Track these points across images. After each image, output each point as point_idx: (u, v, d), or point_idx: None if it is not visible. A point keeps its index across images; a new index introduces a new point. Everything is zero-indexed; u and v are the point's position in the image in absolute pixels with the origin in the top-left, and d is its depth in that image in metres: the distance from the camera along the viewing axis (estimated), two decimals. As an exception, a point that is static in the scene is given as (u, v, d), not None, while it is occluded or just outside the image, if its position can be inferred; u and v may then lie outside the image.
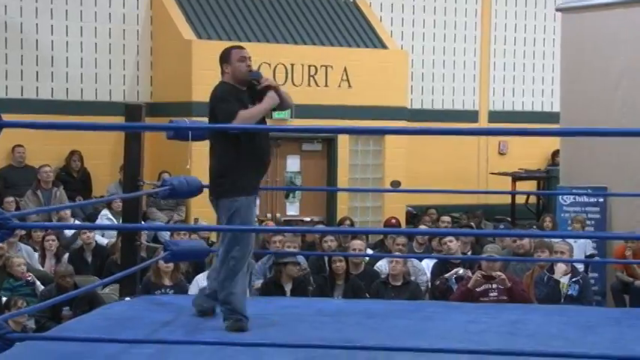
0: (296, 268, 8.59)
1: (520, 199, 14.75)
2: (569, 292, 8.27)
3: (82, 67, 13.31)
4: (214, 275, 5.50)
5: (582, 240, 10.22)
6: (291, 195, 13.60)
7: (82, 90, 13.32)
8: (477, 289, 7.89)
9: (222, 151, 5.33)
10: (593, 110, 10.89)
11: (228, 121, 5.18)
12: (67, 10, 13.24)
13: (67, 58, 13.23)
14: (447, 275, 8.75)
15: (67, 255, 10.03)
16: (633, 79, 10.73)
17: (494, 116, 15.78)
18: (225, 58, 5.52)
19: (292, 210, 13.56)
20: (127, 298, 6.18)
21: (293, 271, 8.54)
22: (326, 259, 9.33)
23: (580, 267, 8.95)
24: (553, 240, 8.79)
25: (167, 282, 8.44)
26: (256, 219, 6.70)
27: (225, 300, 5.30)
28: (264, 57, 13.18)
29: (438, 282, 8.74)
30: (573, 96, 11.37)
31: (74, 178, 12.75)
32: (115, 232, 10.23)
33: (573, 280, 8.36)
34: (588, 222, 10.89)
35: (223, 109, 5.28)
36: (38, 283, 9.06)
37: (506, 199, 14.56)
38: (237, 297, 5.28)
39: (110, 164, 12.75)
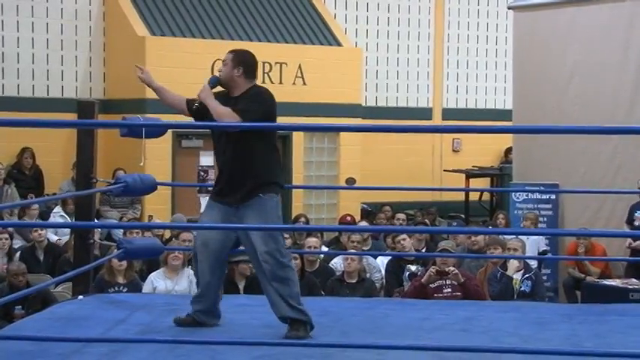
0: (248, 266, 8.57)
1: (474, 196, 14.85)
2: (522, 289, 8.36)
3: (33, 63, 13.16)
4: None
5: (535, 237, 10.32)
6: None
7: (33, 86, 13.17)
8: (431, 285, 7.93)
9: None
10: (545, 108, 11.01)
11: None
12: (17, 6, 13.07)
13: (18, 54, 13.07)
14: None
15: (18, 253, 9.90)
16: (584, 76, 10.87)
17: (447, 113, 15.89)
18: None
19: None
20: (80, 297, 6.11)
21: (245, 270, 8.53)
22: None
23: (533, 263, 9.04)
24: (506, 237, 8.88)
25: (121, 280, 8.36)
26: None
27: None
28: (218, 54, 12.95)
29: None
30: (525, 93, 11.49)
31: (26, 176, 12.60)
32: (67, 231, 10.12)
33: (526, 276, 8.44)
34: (541, 219, 11.00)
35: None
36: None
37: (460, 197, 14.67)
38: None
39: (63, 161, 12.62)
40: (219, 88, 5.35)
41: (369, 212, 13.75)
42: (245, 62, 5.32)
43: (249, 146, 5.14)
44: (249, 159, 5.15)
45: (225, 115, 5.07)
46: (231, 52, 5.40)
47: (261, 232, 5.10)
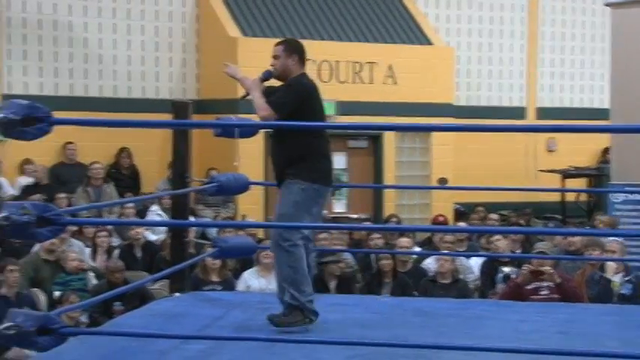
0: (337, 266, 8.60)
1: (570, 197, 14.57)
2: (622, 292, 8.16)
3: (129, 64, 13.43)
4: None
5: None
6: (337, 192, 13.59)
7: (129, 88, 13.44)
8: (527, 287, 7.80)
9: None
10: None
11: None
12: (114, 9, 13.35)
13: (114, 56, 13.36)
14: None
15: (117, 251, 10.13)
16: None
17: (542, 113, 15.63)
18: None
19: (339, 207, 13.54)
20: (177, 294, 6.20)
21: (334, 270, 8.57)
22: (373, 256, 9.31)
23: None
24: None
25: (215, 278, 8.48)
26: None
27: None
28: (309, 54, 12.89)
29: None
30: (623, 91, 11.22)
31: (124, 175, 12.85)
32: (164, 229, 10.31)
33: (626, 279, 8.24)
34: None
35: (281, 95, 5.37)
36: (91, 275, 9.17)
37: (556, 197, 14.40)
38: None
39: (159, 161, 12.84)
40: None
41: (463, 213, 13.62)
42: (298, 50, 5.43)
43: (283, 134, 5.29)
44: (284, 146, 5.29)
45: (261, 110, 5.19)
46: (280, 43, 5.49)
47: (276, 214, 5.28)
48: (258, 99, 5.23)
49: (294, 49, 5.40)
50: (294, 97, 5.23)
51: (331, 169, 5.43)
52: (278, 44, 5.46)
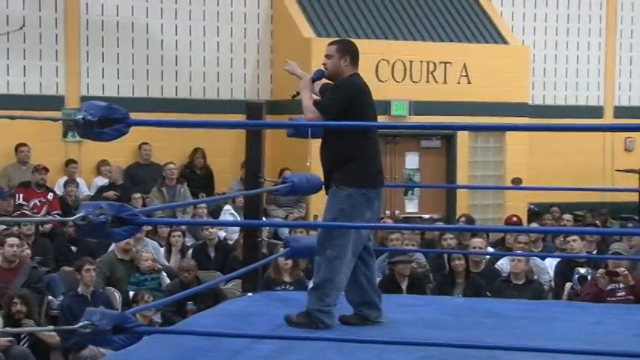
0: (407, 266, 8.57)
1: (648, 197, 14.28)
2: (702, 294, 7.96)
3: (204, 66, 13.58)
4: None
5: None
6: (410, 192, 13.54)
7: (204, 88, 13.59)
8: (605, 289, 7.67)
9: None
10: None
11: None
12: (190, 11, 13.52)
13: (190, 57, 13.52)
14: None
15: (190, 251, 10.25)
16: None
17: (620, 111, 15.33)
18: None
19: (411, 207, 13.50)
20: (249, 294, 6.25)
21: (404, 270, 8.54)
22: (446, 256, 9.26)
23: None
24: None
25: (287, 278, 8.52)
26: None
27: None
28: (383, 54, 13.17)
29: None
30: None
31: (198, 175, 12.99)
32: (236, 228, 10.40)
33: None
34: None
35: (331, 96, 5.35)
36: (164, 275, 9.29)
37: (634, 197, 14.11)
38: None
39: (232, 161, 12.96)
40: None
41: (537, 213, 13.44)
42: (351, 51, 5.37)
43: (331, 137, 5.26)
44: (329, 148, 5.27)
45: (308, 112, 5.19)
46: (333, 43, 5.45)
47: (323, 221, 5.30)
48: (306, 100, 5.23)
49: (346, 50, 5.36)
50: (341, 98, 5.18)
51: (379, 170, 5.36)
52: (331, 44, 5.44)
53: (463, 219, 11.40)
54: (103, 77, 13.10)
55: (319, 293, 5.22)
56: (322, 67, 5.44)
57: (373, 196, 5.29)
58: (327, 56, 5.36)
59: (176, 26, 13.47)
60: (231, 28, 13.70)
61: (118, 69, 13.19)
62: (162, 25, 13.38)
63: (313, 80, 5.40)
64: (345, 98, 5.20)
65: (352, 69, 5.34)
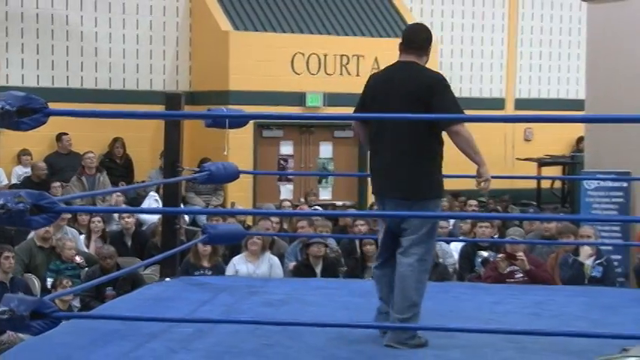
0: (320, 247, 8.62)
1: (546, 184, 14.65)
2: (593, 274, 8.22)
3: (124, 57, 13.41)
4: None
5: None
6: (324, 180, 13.62)
7: (124, 80, 13.42)
8: (504, 272, 7.86)
9: (429, 146, 4.60)
10: (617, 97, 10.78)
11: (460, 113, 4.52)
12: (110, 3, 13.32)
13: (110, 49, 13.33)
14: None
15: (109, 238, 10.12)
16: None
17: (520, 103, 15.68)
18: (428, 45, 4.72)
19: (325, 195, 13.58)
20: (167, 279, 6.22)
21: (318, 251, 8.59)
22: (357, 242, 9.34)
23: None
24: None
25: (206, 264, 8.49)
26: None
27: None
28: (299, 47, 13.20)
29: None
30: (598, 83, 11.27)
31: (117, 164, 12.85)
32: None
33: (597, 262, 8.31)
34: (612, 206, 10.81)
35: (455, 101, 4.58)
36: (83, 264, 9.15)
37: (532, 184, 14.47)
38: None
39: (151, 151, 12.85)
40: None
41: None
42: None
43: (414, 141, 4.65)
44: (412, 156, 4.69)
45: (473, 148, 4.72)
46: None
47: (425, 237, 4.64)
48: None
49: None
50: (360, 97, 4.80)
51: (373, 168, 4.85)
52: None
53: (376, 207, 11.50)
54: (22, 68, 12.83)
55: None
56: None
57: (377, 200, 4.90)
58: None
59: (96, 18, 13.25)
60: (151, 21, 13.55)
61: (38, 60, 12.92)
62: (82, 17, 13.15)
63: None
64: (360, 96, 4.88)
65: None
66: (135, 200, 11.63)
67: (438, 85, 4.55)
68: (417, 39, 4.70)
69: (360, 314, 5.24)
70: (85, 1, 13.15)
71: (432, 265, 4.71)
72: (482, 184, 4.63)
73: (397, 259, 4.58)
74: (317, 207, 12.09)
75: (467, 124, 4.59)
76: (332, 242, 9.52)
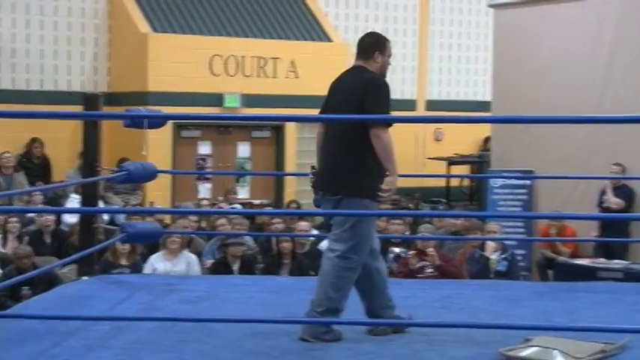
0: (239, 248, 8.60)
1: (455, 183, 14.89)
2: (498, 268, 8.39)
3: (42, 58, 13.13)
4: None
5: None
6: (241, 179, 13.57)
7: (42, 80, 13.13)
8: (414, 267, 7.95)
9: (361, 145, 4.48)
10: (521, 99, 11.03)
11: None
12: (28, 5, 13.03)
13: (27, 50, 13.04)
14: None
15: (26, 237, 9.88)
16: (558, 70, 10.91)
17: (431, 105, 15.89)
18: (380, 46, 4.74)
19: (243, 193, 13.53)
20: (85, 278, 6.11)
21: (237, 252, 8.56)
22: (274, 239, 9.33)
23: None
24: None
25: (124, 262, 8.37)
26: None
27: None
28: (217, 49, 13.12)
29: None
30: (504, 86, 11.52)
31: (35, 164, 12.58)
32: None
33: (502, 257, 8.47)
34: (517, 203, 11.05)
35: (382, 102, 4.51)
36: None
37: (442, 183, 14.69)
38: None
39: (69, 151, 12.60)
40: None
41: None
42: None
43: (346, 139, 4.62)
44: (347, 154, 4.63)
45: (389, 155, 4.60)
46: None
47: (353, 238, 4.59)
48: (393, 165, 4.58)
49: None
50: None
51: (320, 170, 4.75)
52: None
53: (294, 205, 11.52)
54: (-60, 69, 12.45)
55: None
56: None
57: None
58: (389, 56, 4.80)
59: (14, 19, 12.94)
60: (69, 22, 13.29)
61: (-45, 60, 12.56)
62: (0, 18, 12.82)
63: None
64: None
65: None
66: (53, 200, 11.39)
67: (370, 85, 4.57)
68: (362, 44, 4.84)
69: (275, 310, 5.23)
70: (2, 2, 12.82)
71: (359, 264, 4.59)
72: (385, 193, 4.48)
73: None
74: (236, 205, 12.03)
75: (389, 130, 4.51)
76: (249, 240, 9.49)
